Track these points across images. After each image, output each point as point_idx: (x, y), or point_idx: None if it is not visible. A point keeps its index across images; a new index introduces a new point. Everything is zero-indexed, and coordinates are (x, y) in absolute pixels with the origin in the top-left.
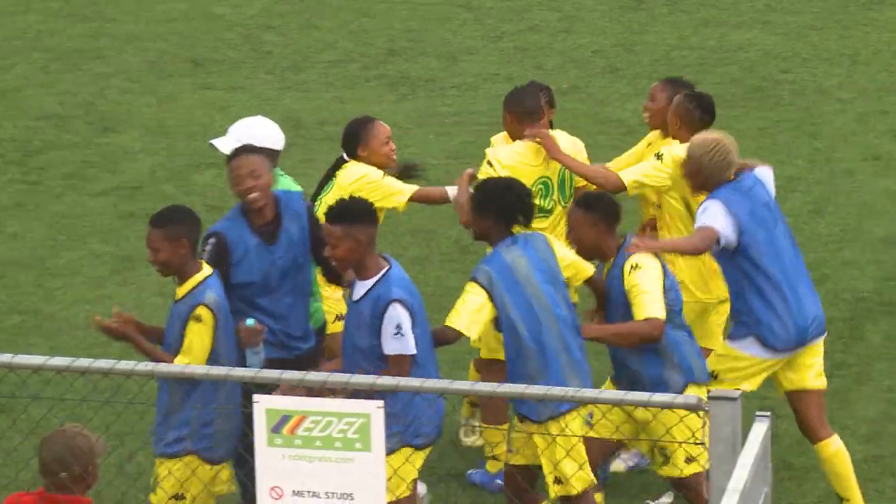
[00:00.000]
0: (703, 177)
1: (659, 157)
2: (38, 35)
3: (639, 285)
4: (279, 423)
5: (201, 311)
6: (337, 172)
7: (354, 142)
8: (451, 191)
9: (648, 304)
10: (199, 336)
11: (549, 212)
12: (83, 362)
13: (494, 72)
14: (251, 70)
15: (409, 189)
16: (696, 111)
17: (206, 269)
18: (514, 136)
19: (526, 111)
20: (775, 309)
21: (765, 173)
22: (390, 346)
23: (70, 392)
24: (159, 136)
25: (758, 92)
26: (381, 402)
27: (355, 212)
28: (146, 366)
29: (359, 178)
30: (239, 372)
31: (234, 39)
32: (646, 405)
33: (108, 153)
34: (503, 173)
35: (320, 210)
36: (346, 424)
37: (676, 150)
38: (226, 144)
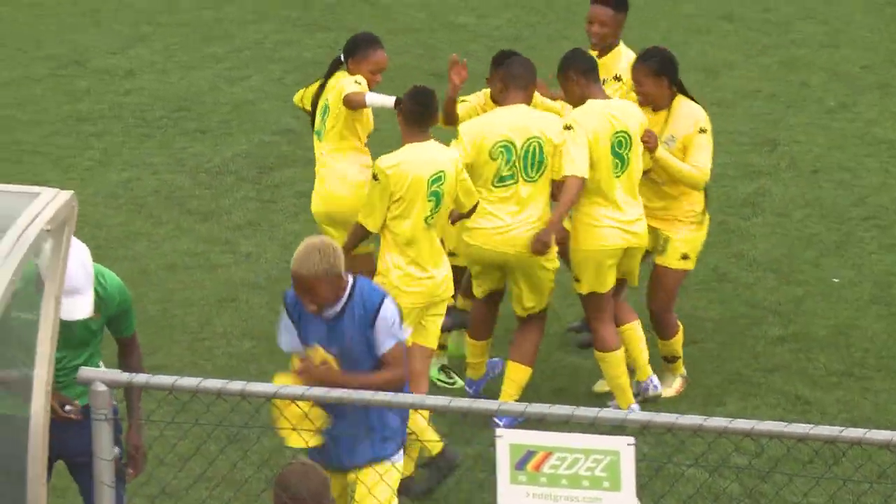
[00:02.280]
0: None
1: None
2: (276, 46)
3: None
4: (523, 459)
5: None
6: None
7: (352, 53)
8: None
9: None
10: None
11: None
12: (318, 391)
13: (755, 88)
14: None
15: None
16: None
17: None
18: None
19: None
20: None
21: None
22: None
23: (305, 422)
24: None
25: None
26: (631, 439)
27: None
28: (385, 395)
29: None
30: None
31: (479, 51)
32: (886, 445)
33: None
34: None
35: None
36: (593, 462)
37: None
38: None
